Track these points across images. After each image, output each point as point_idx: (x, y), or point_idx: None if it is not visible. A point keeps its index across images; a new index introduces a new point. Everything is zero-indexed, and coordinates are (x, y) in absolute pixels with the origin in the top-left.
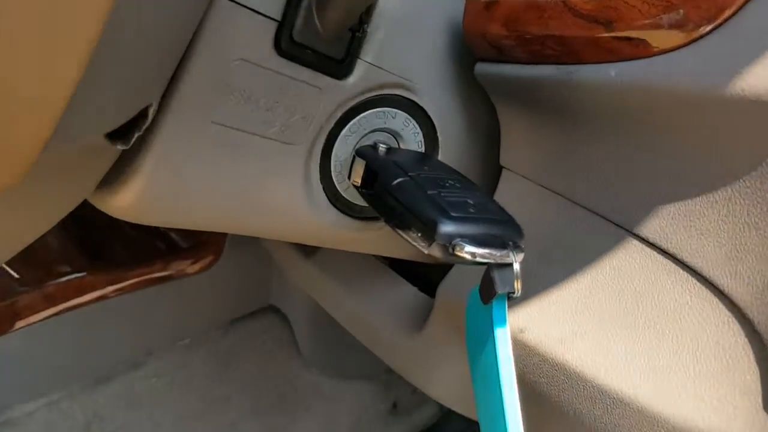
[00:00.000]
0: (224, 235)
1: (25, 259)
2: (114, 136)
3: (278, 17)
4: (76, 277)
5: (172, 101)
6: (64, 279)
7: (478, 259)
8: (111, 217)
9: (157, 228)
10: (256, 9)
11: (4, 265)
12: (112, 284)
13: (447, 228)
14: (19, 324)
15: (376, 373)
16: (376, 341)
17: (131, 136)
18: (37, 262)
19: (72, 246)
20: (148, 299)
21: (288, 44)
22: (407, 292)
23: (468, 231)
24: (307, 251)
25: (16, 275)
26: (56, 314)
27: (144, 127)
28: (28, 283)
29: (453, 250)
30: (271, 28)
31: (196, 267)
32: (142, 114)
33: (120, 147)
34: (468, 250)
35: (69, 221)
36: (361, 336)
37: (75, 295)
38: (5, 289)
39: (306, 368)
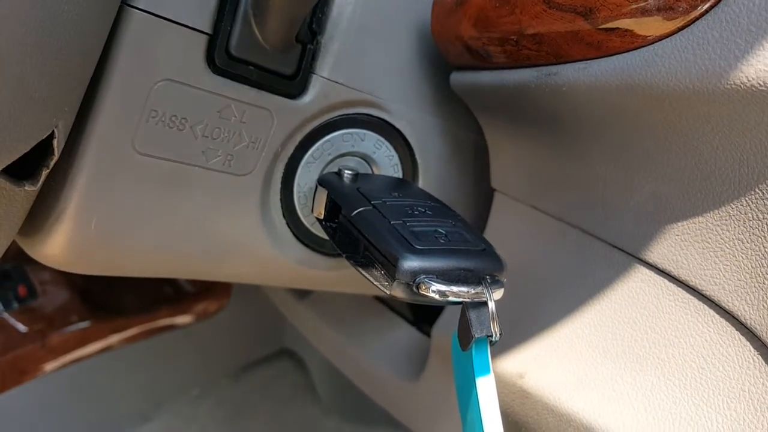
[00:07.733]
0: None
1: (31, 312)
2: (15, 174)
3: (208, 29)
4: (78, 328)
5: (88, 131)
6: (66, 330)
7: (450, 299)
8: None
9: None
10: (178, 21)
11: (12, 319)
12: (115, 332)
13: (410, 263)
14: (25, 379)
15: None
16: (375, 387)
17: (39, 173)
18: (41, 315)
19: (77, 296)
20: (156, 348)
21: (224, 60)
22: (405, 334)
23: (435, 265)
24: (301, 293)
25: (23, 329)
26: (60, 367)
27: (51, 163)
28: (32, 336)
29: (417, 288)
30: (202, 42)
31: (205, 312)
32: (46, 146)
33: (29, 188)
34: (435, 288)
35: None
36: (360, 382)
37: (78, 345)
38: (9, 343)
39: (325, 414)
